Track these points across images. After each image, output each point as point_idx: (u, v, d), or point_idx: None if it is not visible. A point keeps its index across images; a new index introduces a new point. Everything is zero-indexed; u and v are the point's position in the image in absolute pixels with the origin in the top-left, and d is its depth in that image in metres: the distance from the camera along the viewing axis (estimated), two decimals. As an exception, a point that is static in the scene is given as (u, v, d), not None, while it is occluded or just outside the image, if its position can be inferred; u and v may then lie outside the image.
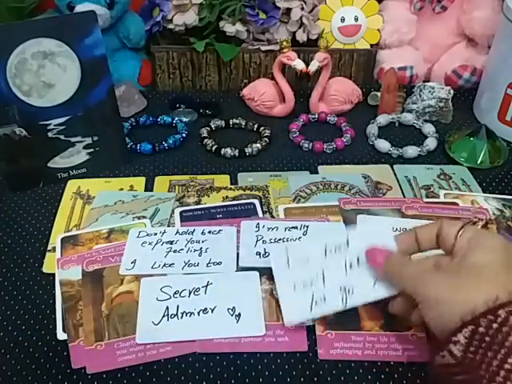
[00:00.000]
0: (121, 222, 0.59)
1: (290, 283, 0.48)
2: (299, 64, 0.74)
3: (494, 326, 0.33)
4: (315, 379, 0.45)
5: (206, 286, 0.50)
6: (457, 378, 0.35)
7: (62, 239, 0.57)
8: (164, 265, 0.52)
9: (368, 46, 0.85)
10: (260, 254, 0.54)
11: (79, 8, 0.73)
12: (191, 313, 0.48)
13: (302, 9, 0.79)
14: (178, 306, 0.49)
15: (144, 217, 0.60)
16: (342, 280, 0.47)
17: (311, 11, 0.81)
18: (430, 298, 0.39)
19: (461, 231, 0.42)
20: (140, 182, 0.66)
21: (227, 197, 0.63)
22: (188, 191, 0.64)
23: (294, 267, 0.50)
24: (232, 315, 0.48)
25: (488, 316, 0.34)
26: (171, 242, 0.55)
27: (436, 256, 0.44)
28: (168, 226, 0.59)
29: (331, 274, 0.48)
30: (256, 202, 0.62)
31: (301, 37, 0.81)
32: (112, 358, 0.46)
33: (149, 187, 0.66)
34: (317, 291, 0.47)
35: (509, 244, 0.41)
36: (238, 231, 0.56)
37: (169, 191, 0.64)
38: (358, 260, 0.48)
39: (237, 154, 0.70)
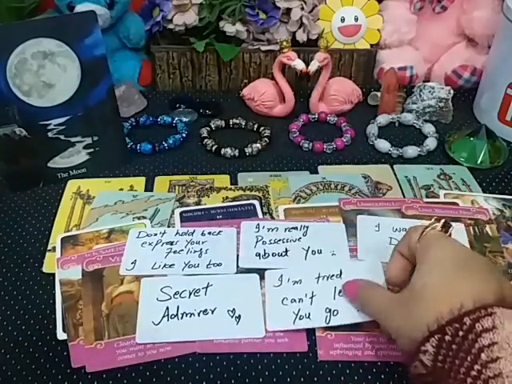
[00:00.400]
0: (121, 222, 0.59)
1: (279, 296, 0.49)
2: (299, 64, 0.74)
3: (461, 333, 0.34)
4: (315, 379, 0.45)
5: (206, 288, 0.50)
6: None
7: (62, 239, 0.57)
8: (164, 265, 0.52)
9: (368, 46, 0.85)
10: (260, 255, 0.54)
11: (79, 8, 0.73)
12: (191, 314, 0.48)
13: (302, 9, 0.79)
14: (178, 307, 0.49)
15: (144, 217, 0.60)
16: (329, 303, 0.49)
17: (311, 11, 0.81)
18: (392, 330, 0.40)
19: (420, 239, 0.43)
20: (140, 182, 0.66)
21: (227, 197, 0.63)
22: (188, 191, 0.64)
23: (285, 285, 0.51)
24: (232, 317, 0.48)
25: (454, 324, 0.34)
26: (171, 243, 0.55)
27: None
28: (168, 226, 0.59)
29: (320, 297, 0.49)
30: (256, 203, 0.61)
31: (301, 37, 0.81)
32: (112, 357, 0.46)
33: (149, 187, 0.66)
34: (303, 308, 0.48)
35: (461, 248, 0.42)
36: (238, 233, 0.56)
37: (169, 191, 0.64)
38: None
39: (237, 154, 0.70)
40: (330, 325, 0.47)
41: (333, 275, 0.51)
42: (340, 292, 0.49)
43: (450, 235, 0.44)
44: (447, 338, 0.34)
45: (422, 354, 0.35)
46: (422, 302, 0.38)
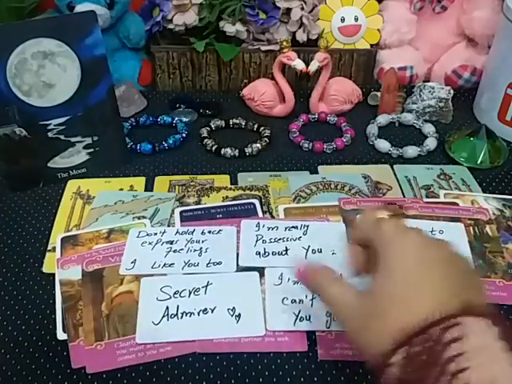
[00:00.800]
0: (121, 222, 0.59)
1: (280, 296, 0.49)
2: (299, 64, 0.74)
3: (428, 344, 0.33)
4: (315, 379, 0.45)
5: (206, 286, 0.50)
6: None
7: (62, 239, 0.57)
8: (164, 265, 0.52)
9: (368, 46, 0.85)
10: (260, 253, 0.54)
11: (79, 8, 0.73)
12: (191, 313, 0.48)
13: (302, 9, 0.79)
14: (178, 306, 0.49)
15: (144, 217, 0.60)
16: None
17: (311, 11, 0.81)
18: (357, 342, 0.38)
19: (376, 232, 0.40)
20: (140, 182, 0.66)
21: (227, 197, 0.63)
22: (188, 191, 0.64)
23: (286, 284, 0.51)
24: (232, 315, 0.48)
25: (421, 335, 0.33)
26: (171, 242, 0.55)
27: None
28: (168, 225, 0.59)
29: (320, 300, 0.48)
30: (256, 202, 0.62)
31: (301, 37, 0.81)
32: (112, 358, 0.46)
33: (149, 187, 0.66)
34: (304, 310, 0.48)
35: (424, 242, 0.38)
36: (238, 231, 0.56)
37: (169, 191, 0.64)
38: None
39: (237, 154, 0.70)
40: (330, 329, 0.47)
41: None
42: None
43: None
44: (414, 349, 0.33)
45: (390, 367, 0.34)
46: (387, 312, 0.36)
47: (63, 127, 0.63)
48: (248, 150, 0.71)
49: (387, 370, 0.34)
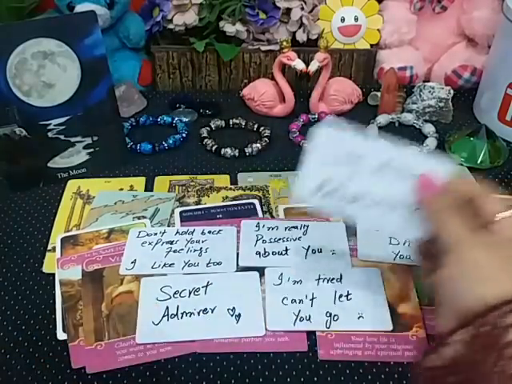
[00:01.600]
0: (121, 221, 0.59)
1: (280, 296, 0.50)
2: (299, 64, 0.74)
3: (487, 328, 0.32)
4: (315, 379, 0.45)
5: (206, 286, 0.50)
6: (450, 380, 0.33)
7: (62, 239, 0.57)
8: (164, 265, 0.53)
9: (368, 46, 0.85)
10: (260, 253, 0.54)
11: (79, 8, 0.73)
12: (191, 313, 0.48)
13: (302, 9, 0.79)
14: (178, 306, 0.49)
15: (144, 217, 0.60)
16: (330, 307, 0.49)
17: (311, 11, 0.81)
18: (462, 269, 0.36)
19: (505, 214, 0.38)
20: (140, 182, 0.66)
21: (227, 197, 0.63)
22: (188, 191, 0.64)
23: (286, 284, 0.51)
24: (232, 315, 0.48)
25: (482, 318, 0.33)
26: (171, 242, 0.55)
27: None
28: (168, 226, 0.59)
29: (320, 300, 0.49)
30: (256, 202, 0.62)
31: (301, 37, 0.81)
32: (112, 358, 0.46)
33: (149, 187, 0.66)
34: (303, 310, 0.48)
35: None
36: (238, 231, 0.56)
37: (169, 191, 0.64)
38: (347, 294, 0.50)
39: (237, 154, 0.70)
40: (330, 329, 0.47)
41: (333, 279, 0.51)
42: (340, 297, 0.49)
43: None
44: (474, 331, 0.33)
45: (448, 346, 0.33)
46: (457, 289, 0.35)
47: (63, 127, 0.63)
48: (248, 150, 0.71)
49: (443, 348, 0.34)
